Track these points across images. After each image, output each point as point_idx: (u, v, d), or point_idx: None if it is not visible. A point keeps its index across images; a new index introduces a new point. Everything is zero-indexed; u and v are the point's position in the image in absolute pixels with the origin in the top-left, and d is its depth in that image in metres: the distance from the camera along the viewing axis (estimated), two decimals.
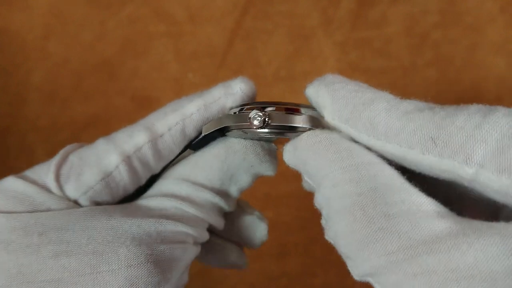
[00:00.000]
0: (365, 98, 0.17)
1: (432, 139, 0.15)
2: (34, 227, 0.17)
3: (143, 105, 0.44)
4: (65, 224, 0.17)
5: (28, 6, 0.45)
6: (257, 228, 0.24)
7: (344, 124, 0.17)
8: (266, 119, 0.18)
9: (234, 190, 0.21)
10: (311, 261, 0.42)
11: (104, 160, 0.18)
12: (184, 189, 0.20)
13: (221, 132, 0.20)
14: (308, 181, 0.18)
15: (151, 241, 0.18)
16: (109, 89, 0.44)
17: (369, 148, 0.17)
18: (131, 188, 0.20)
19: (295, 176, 0.21)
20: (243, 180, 0.21)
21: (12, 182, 0.18)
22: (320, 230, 0.21)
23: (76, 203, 0.18)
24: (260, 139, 0.20)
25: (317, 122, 0.18)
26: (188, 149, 0.20)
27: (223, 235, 0.24)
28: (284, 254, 0.42)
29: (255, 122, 0.18)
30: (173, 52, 0.45)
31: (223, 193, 0.21)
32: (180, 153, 0.20)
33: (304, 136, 0.18)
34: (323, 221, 0.19)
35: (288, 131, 0.18)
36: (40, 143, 0.43)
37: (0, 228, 0.17)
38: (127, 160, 0.19)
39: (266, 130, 0.18)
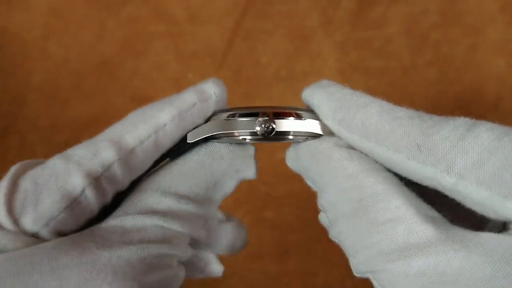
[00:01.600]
0: (360, 101, 0.17)
1: (418, 145, 0.16)
2: None
3: (143, 105, 0.44)
4: (28, 266, 0.14)
5: (28, 6, 0.45)
6: (238, 235, 0.24)
7: (338, 125, 0.17)
8: (272, 126, 0.18)
9: (218, 197, 0.20)
10: (312, 261, 0.42)
11: (67, 184, 0.16)
12: (165, 202, 0.17)
13: (206, 139, 0.19)
14: (310, 185, 0.19)
15: (136, 273, 0.15)
16: (109, 89, 0.44)
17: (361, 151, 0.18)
18: (96, 209, 0.17)
19: (296, 176, 0.21)
20: (228, 186, 0.20)
21: None
22: (321, 230, 0.21)
23: (35, 237, 0.16)
24: (241, 143, 0.19)
25: (324, 128, 0.18)
26: (167, 158, 0.19)
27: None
28: (284, 253, 0.42)
29: (258, 129, 0.18)
30: (173, 52, 0.45)
31: (207, 203, 0.19)
32: (156, 163, 0.19)
33: (305, 145, 0.18)
34: (322, 220, 0.20)
35: (291, 137, 0.18)
36: (40, 143, 0.43)
37: None
38: (95, 182, 0.16)
39: (272, 137, 0.18)
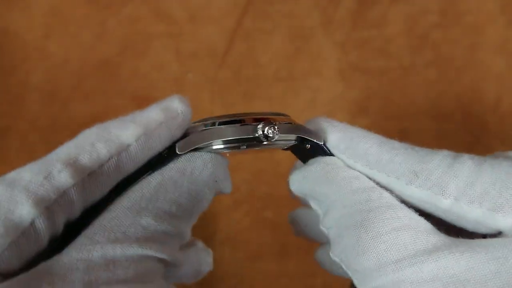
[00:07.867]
0: (360, 133, 0.20)
1: (414, 172, 0.18)
2: None
3: (143, 105, 0.43)
4: None
5: (28, 6, 0.45)
6: (204, 259, 0.21)
7: (343, 154, 0.20)
8: (276, 130, 0.18)
9: (195, 213, 0.18)
10: (311, 262, 0.42)
11: (12, 214, 0.13)
12: (141, 223, 0.15)
13: (196, 149, 0.18)
14: (314, 207, 0.20)
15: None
16: (109, 89, 0.44)
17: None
18: (46, 242, 0.14)
19: None
20: (206, 199, 0.18)
21: None
22: None
23: None
24: (234, 149, 0.18)
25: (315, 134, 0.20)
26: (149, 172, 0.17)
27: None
28: (284, 254, 0.42)
29: (270, 134, 0.18)
30: (173, 52, 0.45)
31: (187, 218, 0.17)
32: (134, 176, 0.17)
33: (313, 166, 0.20)
34: (318, 256, 0.23)
35: (288, 142, 0.20)
36: (40, 143, 0.43)
37: None
38: (46, 212, 0.13)
39: (274, 142, 0.18)
